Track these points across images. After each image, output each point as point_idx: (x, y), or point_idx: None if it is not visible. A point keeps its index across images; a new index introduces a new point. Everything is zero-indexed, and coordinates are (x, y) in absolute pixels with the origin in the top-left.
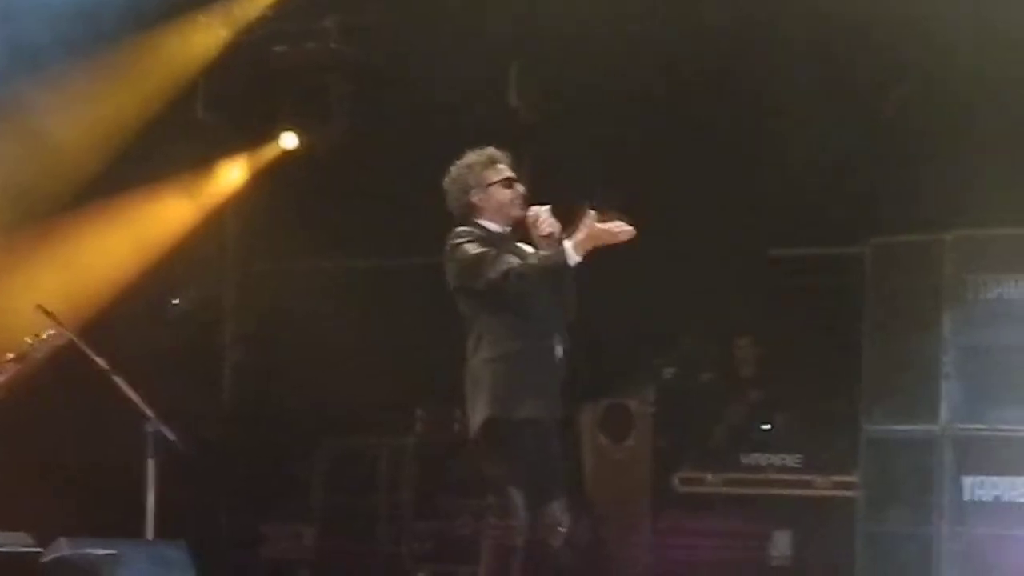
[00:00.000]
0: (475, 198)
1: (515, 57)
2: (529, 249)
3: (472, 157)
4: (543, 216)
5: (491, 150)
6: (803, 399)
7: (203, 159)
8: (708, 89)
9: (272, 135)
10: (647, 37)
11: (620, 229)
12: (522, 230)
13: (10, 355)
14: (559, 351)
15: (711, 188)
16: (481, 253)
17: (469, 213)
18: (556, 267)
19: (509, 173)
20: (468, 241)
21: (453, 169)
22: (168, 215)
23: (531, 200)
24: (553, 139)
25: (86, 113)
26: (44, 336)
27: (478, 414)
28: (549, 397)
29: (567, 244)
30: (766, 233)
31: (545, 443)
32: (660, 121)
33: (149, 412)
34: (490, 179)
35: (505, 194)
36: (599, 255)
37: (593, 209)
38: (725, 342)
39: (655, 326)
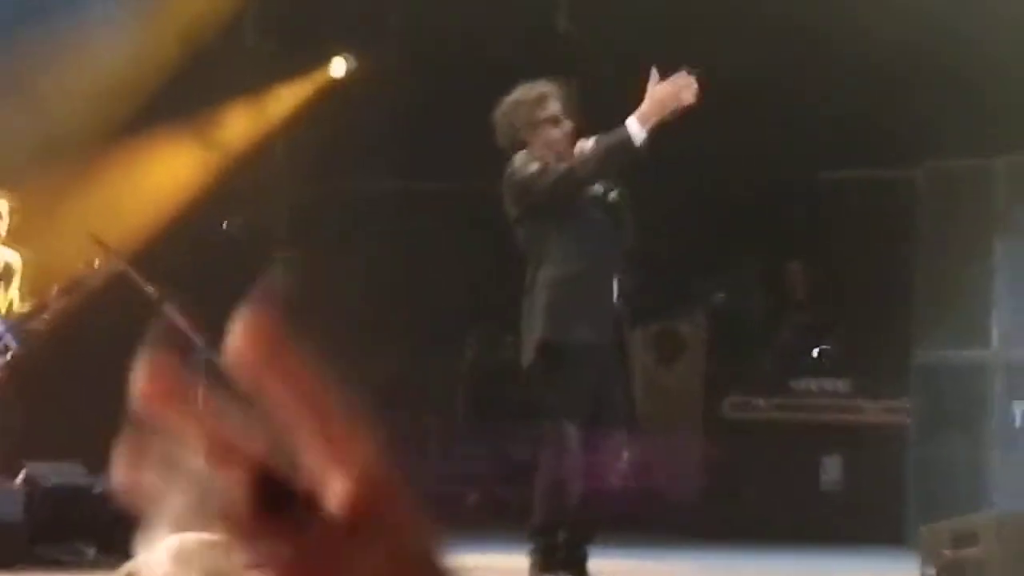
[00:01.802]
0: (524, 135)
1: None
2: None
3: (521, 93)
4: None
5: (541, 86)
6: (854, 324)
7: (254, 85)
8: (760, 8)
9: (324, 60)
10: None
11: (684, 84)
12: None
13: (56, 287)
14: (616, 277)
15: (761, 110)
16: (541, 166)
17: (519, 149)
18: (621, 147)
19: (557, 111)
20: (528, 163)
21: (503, 104)
22: (217, 142)
23: (580, 132)
24: (602, 62)
25: (136, 39)
26: (95, 265)
27: (533, 337)
28: (605, 322)
29: (630, 120)
30: (817, 156)
31: (602, 370)
32: (711, 41)
33: (198, 339)
34: (539, 117)
35: (553, 133)
36: (652, 181)
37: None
38: (776, 266)
39: (705, 250)
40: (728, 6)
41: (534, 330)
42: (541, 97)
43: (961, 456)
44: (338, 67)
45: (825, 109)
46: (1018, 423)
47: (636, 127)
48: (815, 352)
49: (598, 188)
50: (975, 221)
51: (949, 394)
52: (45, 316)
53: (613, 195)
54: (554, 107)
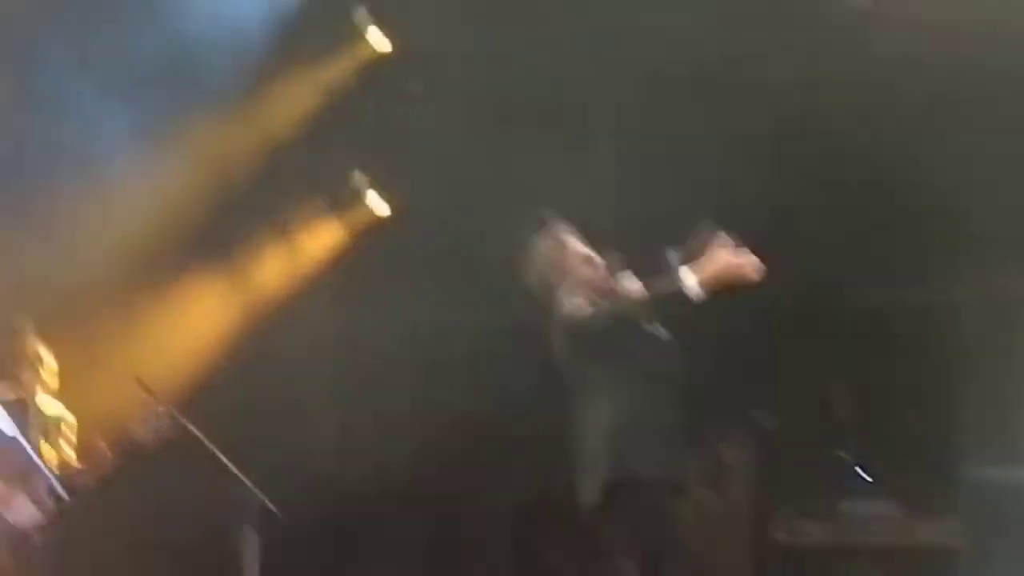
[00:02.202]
0: (561, 284)
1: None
2: None
3: (541, 247)
4: (636, 289)
5: (561, 230)
6: (901, 444)
7: (293, 222)
8: (805, 138)
9: (362, 196)
10: (754, 87)
11: (751, 265)
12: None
13: (104, 442)
14: (673, 410)
15: (805, 234)
16: (589, 306)
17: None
18: (675, 298)
19: (586, 249)
20: (573, 304)
21: (530, 261)
22: (271, 271)
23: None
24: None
25: (173, 180)
26: (147, 418)
27: (591, 476)
28: (665, 457)
29: (689, 274)
30: (862, 277)
31: (663, 508)
32: (758, 167)
33: (248, 481)
34: (569, 261)
35: (587, 271)
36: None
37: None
38: (821, 388)
39: (751, 372)
40: (775, 132)
41: (595, 468)
42: (562, 241)
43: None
44: (375, 202)
45: (869, 230)
46: None
47: (694, 282)
48: (863, 474)
49: (646, 326)
50: (1022, 338)
51: (1001, 514)
52: (94, 470)
53: (662, 332)
54: (581, 248)
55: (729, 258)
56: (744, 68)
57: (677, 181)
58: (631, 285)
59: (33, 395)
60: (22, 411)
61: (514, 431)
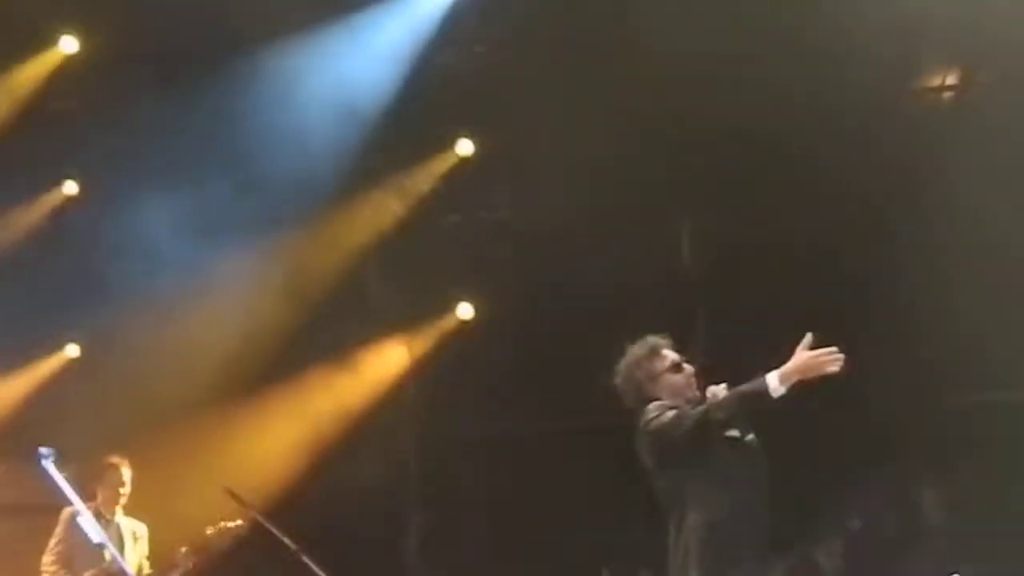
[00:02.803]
0: (648, 390)
1: (686, 214)
2: None
3: (636, 351)
4: (721, 394)
5: (651, 339)
6: (992, 549)
7: (377, 333)
8: (869, 249)
9: (444, 304)
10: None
11: (831, 358)
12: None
13: (183, 549)
14: (763, 516)
15: (887, 336)
16: (676, 412)
17: (647, 404)
18: (756, 394)
19: (675, 357)
20: (663, 411)
21: (621, 368)
22: (349, 388)
23: (706, 374)
24: (726, 296)
25: (267, 293)
26: (227, 525)
27: None
28: (759, 564)
29: (771, 375)
30: (946, 380)
31: None
32: (830, 276)
33: None
34: (659, 369)
35: (677, 379)
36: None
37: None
38: (909, 491)
39: (839, 477)
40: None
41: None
42: (654, 348)
43: None
44: (464, 310)
45: (950, 332)
46: None
47: (776, 382)
48: None
49: (734, 431)
50: None
51: None
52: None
53: (750, 437)
54: (671, 355)
55: (813, 356)
56: None
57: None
58: (718, 391)
59: (113, 513)
60: (104, 525)
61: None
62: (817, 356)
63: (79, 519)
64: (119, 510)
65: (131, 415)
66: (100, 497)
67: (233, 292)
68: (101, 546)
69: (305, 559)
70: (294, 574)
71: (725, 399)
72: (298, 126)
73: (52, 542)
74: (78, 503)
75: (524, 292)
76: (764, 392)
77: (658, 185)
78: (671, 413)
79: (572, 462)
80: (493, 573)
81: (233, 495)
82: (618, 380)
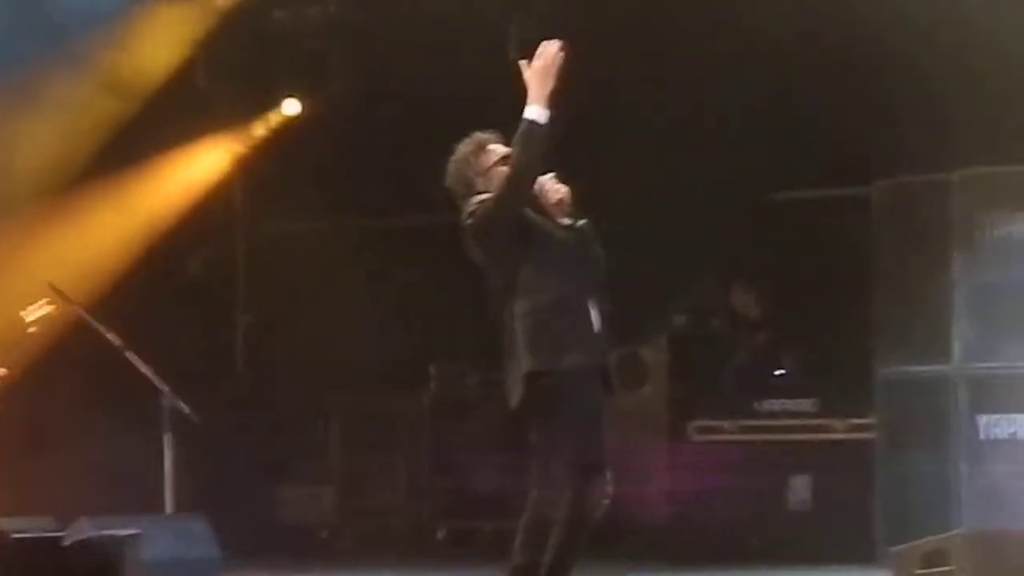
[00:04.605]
0: (479, 186)
1: (515, 11)
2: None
3: (463, 148)
4: (548, 184)
5: (478, 135)
6: (815, 343)
7: (206, 127)
8: (704, 32)
9: (274, 101)
10: None
11: (550, 51)
12: (533, 203)
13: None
14: (594, 308)
15: (714, 133)
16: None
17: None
18: (530, 133)
19: (504, 151)
20: (476, 201)
21: (450, 165)
22: (175, 185)
23: None
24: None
25: (87, 88)
26: (41, 312)
27: (518, 372)
28: (591, 347)
29: (527, 110)
30: (771, 176)
31: (592, 400)
32: (656, 67)
33: (163, 386)
34: (487, 163)
35: (505, 172)
36: (606, 211)
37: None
38: (732, 288)
39: (663, 274)
40: (683, 30)
41: (519, 366)
42: (481, 143)
43: (928, 470)
44: (291, 106)
45: (776, 129)
46: (983, 436)
47: (534, 111)
48: (778, 372)
49: (564, 219)
50: (932, 236)
51: (914, 409)
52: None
53: (581, 223)
54: (499, 148)
55: (535, 65)
56: None
57: None
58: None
59: None
60: None
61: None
62: (539, 60)
63: None
64: None
65: None
66: None
67: (53, 89)
68: None
69: (129, 356)
70: (118, 371)
71: (511, 155)
72: None
73: None
74: None
75: (354, 90)
76: (532, 127)
77: None
78: (482, 197)
79: (400, 259)
80: (319, 368)
81: (55, 290)
82: (448, 179)
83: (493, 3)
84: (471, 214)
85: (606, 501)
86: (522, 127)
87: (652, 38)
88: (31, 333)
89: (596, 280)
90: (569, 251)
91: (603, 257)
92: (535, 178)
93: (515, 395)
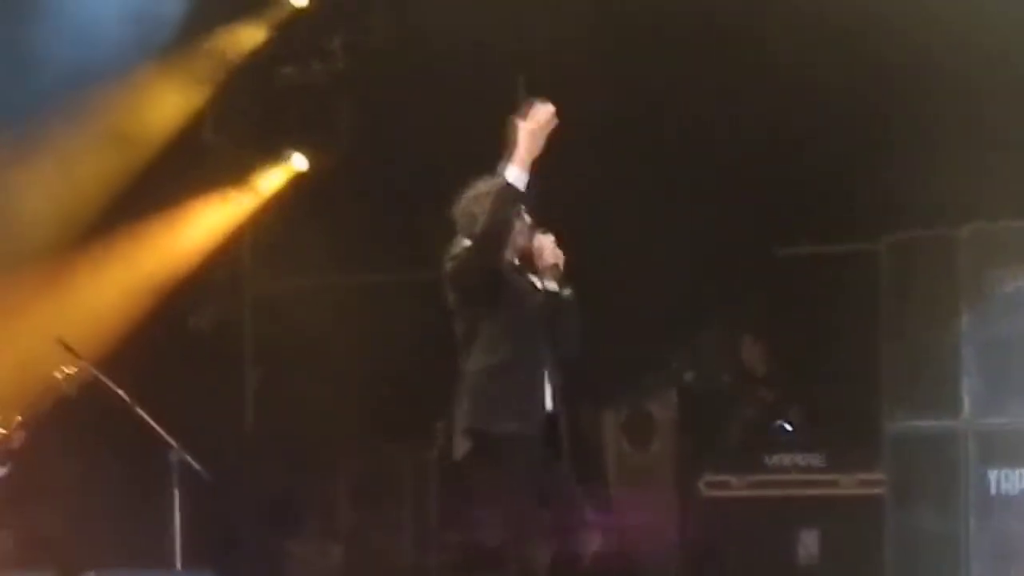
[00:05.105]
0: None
1: (522, 73)
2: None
3: (481, 186)
4: (547, 247)
5: (500, 179)
6: (823, 398)
7: (212, 182)
8: (715, 87)
9: (280, 156)
10: (645, 39)
11: (544, 114)
12: (528, 261)
13: (18, 418)
14: (550, 379)
15: (721, 188)
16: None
17: None
18: (505, 195)
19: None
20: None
21: (462, 199)
22: (182, 239)
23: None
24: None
25: (92, 142)
26: (68, 372)
27: (461, 427)
28: (529, 417)
29: (507, 170)
30: (778, 231)
31: (519, 469)
32: (665, 120)
33: (172, 442)
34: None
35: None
36: (613, 265)
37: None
38: (741, 344)
39: (672, 330)
40: (693, 85)
41: (461, 420)
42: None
43: (938, 526)
44: (298, 161)
45: (783, 184)
46: (993, 491)
47: (514, 174)
48: (787, 427)
49: (552, 284)
50: (939, 291)
51: (923, 464)
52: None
53: (566, 293)
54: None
55: (528, 125)
56: None
57: None
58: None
59: None
60: None
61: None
62: (533, 121)
63: None
64: None
65: None
66: None
67: (61, 143)
68: None
69: (139, 411)
70: (127, 427)
71: (481, 228)
72: None
73: None
74: None
75: (361, 145)
76: (507, 191)
77: (495, 41)
78: (465, 244)
79: (408, 315)
80: (327, 423)
81: (66, 346)
82: (456, 210)
83: (501, 58)
84: (453, 257)
85: (586, 551)
86: (498, 188)
87: (660, 91)
88: (50, 390)
89: (563, 351)
90: (537, 318)
91: (579, 332)
92: (505, 240)
93: (459, 448)
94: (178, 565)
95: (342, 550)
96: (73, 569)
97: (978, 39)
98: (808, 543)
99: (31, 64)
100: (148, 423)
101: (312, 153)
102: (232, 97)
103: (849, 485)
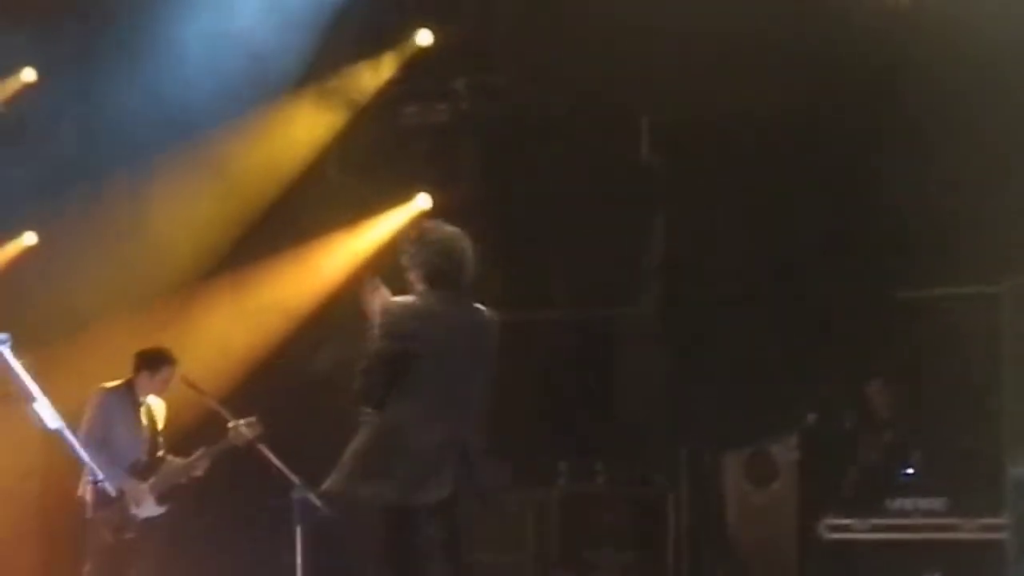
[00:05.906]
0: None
1: (645, 111)
2: None
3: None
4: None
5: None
6: (944, 441)
7: (337, 220)
8: (834, 132)
9: (404, 195)
10: (774, 89)
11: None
12: None
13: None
14: (441, 438)
15: (842, 232)
16: None
17: None
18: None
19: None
20: None
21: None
22: (305, 278)
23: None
24: (685, 190)
25: (223, 182)
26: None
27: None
28: (409, 486)
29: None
30: (901, 275)
31: (405, 532)
32: (794, 165)
33: (295, 479)
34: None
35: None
36: (739, 308)
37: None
38: (862, 386)
39: (794, 373)
40: (813, 130)
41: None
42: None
43: None
44: (422, 200)
45: (906, 228)
46: None
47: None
48: (908, 470)
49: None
50: None
51: None
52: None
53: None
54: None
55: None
56: None
57: None
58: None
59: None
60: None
61: None
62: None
63: (35, 405)
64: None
65: (88, 304)
66: (143, 382)
67: (189, 180)
68: (59, 432)
69: (262, 448)
70: (249, 464)
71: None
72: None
73: (84, 425)
74: (35, 389)
75: (483, 183)
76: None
77: (619, 78)
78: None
79: (528, 354)
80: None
81: (190, 384)
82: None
83: (625, 97)
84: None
85: None
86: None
87: (789, 135)
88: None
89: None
90: (437, 380)
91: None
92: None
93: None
94: None
95: None
96: None
97: None
98: None
99: (159, 101)
100: (271, 460)
101: (435, 192)
102: (357, 135)
103: (971, 529)
